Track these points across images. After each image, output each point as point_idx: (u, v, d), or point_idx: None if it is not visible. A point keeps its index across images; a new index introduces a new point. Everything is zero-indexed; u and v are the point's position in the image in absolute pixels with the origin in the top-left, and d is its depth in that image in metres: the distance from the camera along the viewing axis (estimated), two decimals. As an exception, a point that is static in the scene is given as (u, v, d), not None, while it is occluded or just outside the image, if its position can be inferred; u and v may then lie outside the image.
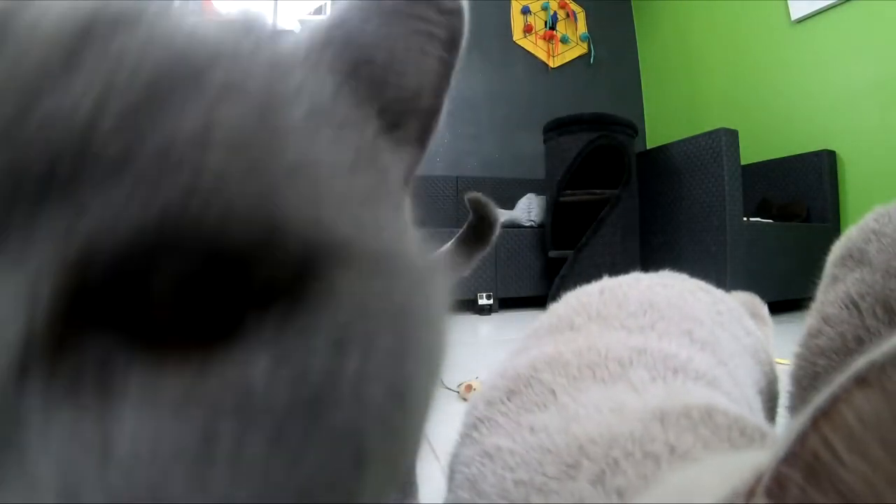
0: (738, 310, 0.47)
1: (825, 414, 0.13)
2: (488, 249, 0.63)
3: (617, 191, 2.41)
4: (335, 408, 0.12)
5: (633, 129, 2.54)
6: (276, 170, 0.13)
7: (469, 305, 2.48)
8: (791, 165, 2.58)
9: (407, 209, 0.18)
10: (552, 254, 2.56)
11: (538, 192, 2.84)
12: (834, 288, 0.56)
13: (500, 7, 3.49)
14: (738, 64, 3.04)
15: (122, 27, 0.12)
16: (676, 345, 0.36)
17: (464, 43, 0.19)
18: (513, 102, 3.38)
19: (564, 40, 3.62)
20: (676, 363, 0.33)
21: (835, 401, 0.13)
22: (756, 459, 0.15)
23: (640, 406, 0.28)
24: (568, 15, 3.66)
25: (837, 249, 0.59)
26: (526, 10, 3.57)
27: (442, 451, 0.35)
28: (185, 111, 0.12)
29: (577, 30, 3.68)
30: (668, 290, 0.43)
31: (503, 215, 1.91)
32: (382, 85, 0.18)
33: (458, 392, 1.10)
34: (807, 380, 0.49)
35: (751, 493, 0.15)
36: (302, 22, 3.03)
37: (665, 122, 3.59)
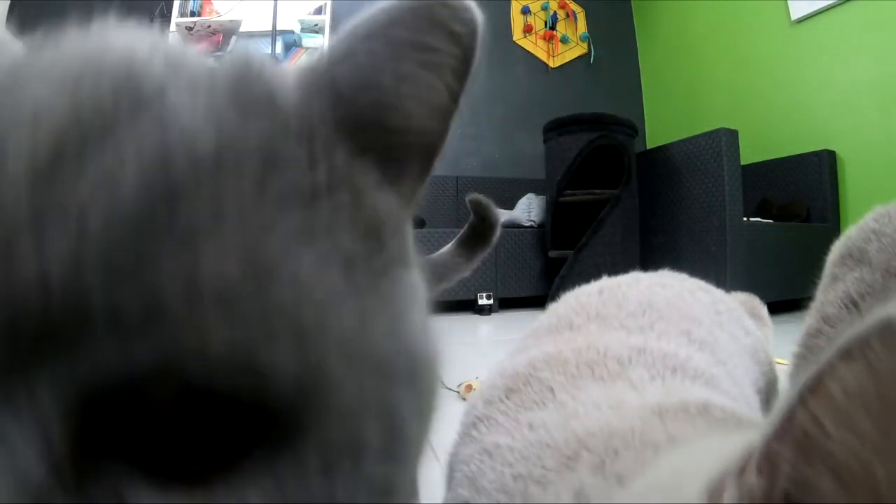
0: (738, 310, 0.47)
1: (812, 390, 0.13)
2: (489, 250, 0.63)
3: (617, 191, 2.41)
4: None
5: (633, 129, 2.54)
6: (264, 319, 0.13)
7: (469, 305, 2.48)
8: (791, 165, 2.58)
9: (413, 291, 0.17)
10: (552, 254, 2.56)
11: (538, 192, 2.84)
12: (834, 288, 0.56)
13: (500, 7, 3.49)
14: (738, 64, 3.04)
15: (93, 148, 0.12)
16: (675, 344, 0.36)
17: (476, 61, 0.18)
18: (513, 102, 3.38)
19: (564, 40, 3.62)
20: (675, 362, 0.33)
21: (821, 376, 0.13)
22: (747, 440, 0.15)
23: (639, 403, 0.28)
24: (568, 15, 3.66)
25: (837, 249, 0.59)
26: (526, 10, 3.57)
27: (442, 451, 0.35)
28: (169, 264, 0.12)
29: (577, 30, 3.68)
30: (667, 290, 0.43)
31: (503, 215, 1.91)
32: (386, 130, 0.17)
33: (458, 392, 1.10)
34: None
35: (742, 470, 0.15)
36: (302, 22, 3.03)
37: (665, 122, 3.59)
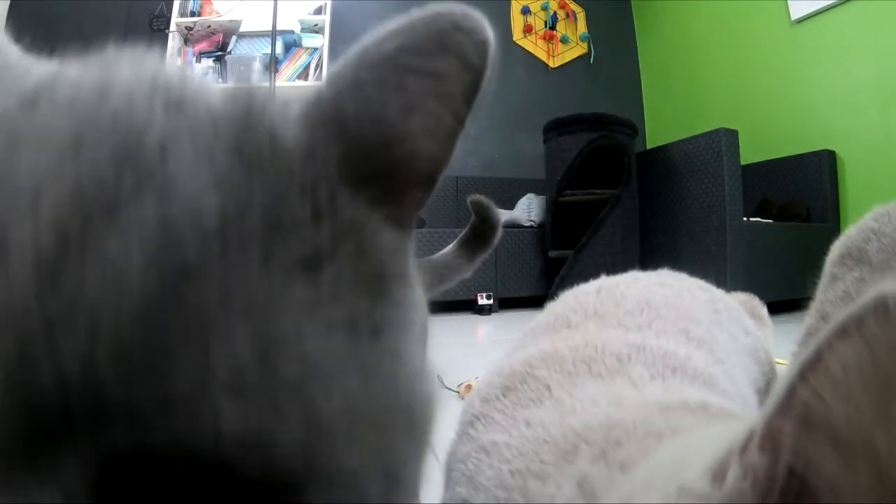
0: (738, 310, 0.47)
1: (812, 367, 0.14)
2: (490, 251, 0.63)
3: (617, 191, 2.41)
4: None
5: (633, 129, 2.54)
6: (273, 398, 0.13)
7: (469, 305, 2.48)
8: (791, 165, 2.58)
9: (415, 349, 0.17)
10: (552, 254, 2.56)
11: (538, 192, 2.84)
12: (833, 287, 0.56)
13: (500, 7, 3.49)
14: (739, 64, 3.04)
15: (96, 236, 0.12)
16: (674, 343, 0.36)
17: (487, 80, 0.17)
18: (513, 102, 3.38)
19: (564, 40, 3.62)
20: (675, 361, 0.33)
21: (820, 354, 0.14)
22: (750, 422, 0.16)
23: (639, 399, 0.28)
24: (568, 15, 3.66)
25: (837, 249, 0.59)
26: (526, 10, 3.57)
27: (442, 451, 0.35)
28: (180, 354, 0.12)
29: (577, 30, 3.68)
30: (666, 289, 0.43)
31: (503, 215, 1.91)
32: (392, 162, 0.16)
33: (458, 392, 1.10)
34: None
35: (744, 449, 0.15)
36: (302, 22, 3.03)
37: (665, 122, 3.59)
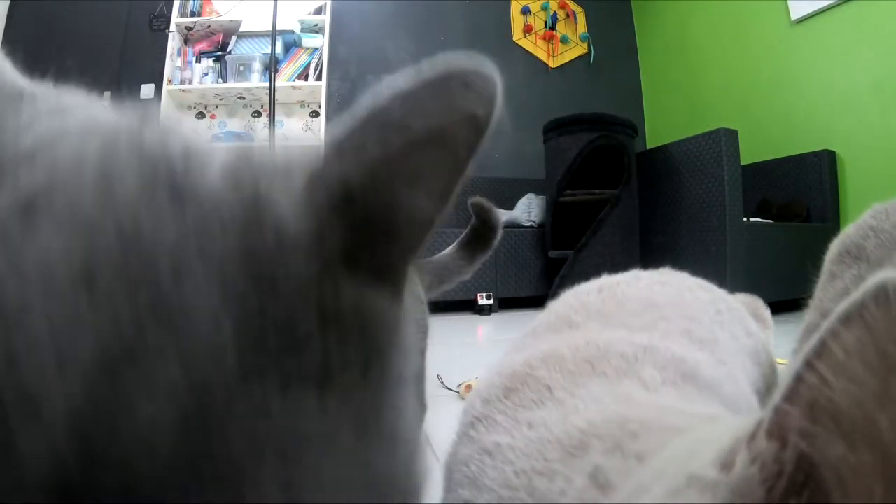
0: (740, 310, 0.47)
1: (818, 354, 0.15)
2: (490, 253, 0.64)
3: (617, 191, 2.41)
4: None
5: (633, 129, 2.54)
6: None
7: (469, 305, 2.48)
8: (791, 165, 2.58)
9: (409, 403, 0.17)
10: (552, 254, 2.56)
11: (538, 192, 2.84)
12: (832, 285, 0.56)
13: (500, 7, 3.49)
14: (738, 64, 3.04)
15: (121, 390, 0.12)
16: (680, 346, 0.36)
17: (492, 129, 0.16)
18: (513, 102, 3.34)
19: (564, 40, 3.62)
20: (686, 368, 0.33)
21: (824, 341, 0.15)
22: (759, 414, 0.16)
23: (654, 401, 0.28)
24: (568, 15, 3.66)
25: (835, 247, 0.59)
26: (526, 10, 3.57)
27: (442, 451, 0.35)
28: (214, 500, 0.12)
29: (577, 30, 3.68)
30: (667, 288, 0.43)
31: (503, 215, 1.90)
32: (393, 223, 0.16)
33: (458, 392, 1.10)
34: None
35: (752, 436, 0.16)
36: (302, 22, 3.03)
37: (665, 122, 3.59)
